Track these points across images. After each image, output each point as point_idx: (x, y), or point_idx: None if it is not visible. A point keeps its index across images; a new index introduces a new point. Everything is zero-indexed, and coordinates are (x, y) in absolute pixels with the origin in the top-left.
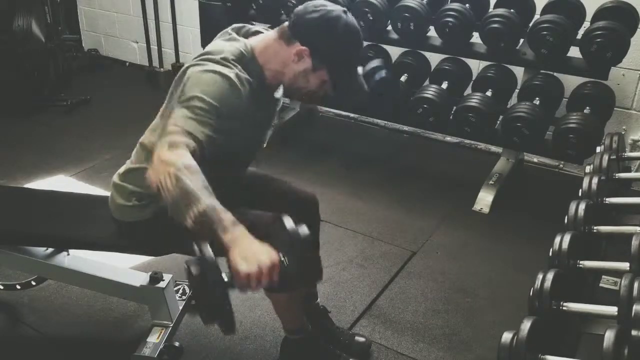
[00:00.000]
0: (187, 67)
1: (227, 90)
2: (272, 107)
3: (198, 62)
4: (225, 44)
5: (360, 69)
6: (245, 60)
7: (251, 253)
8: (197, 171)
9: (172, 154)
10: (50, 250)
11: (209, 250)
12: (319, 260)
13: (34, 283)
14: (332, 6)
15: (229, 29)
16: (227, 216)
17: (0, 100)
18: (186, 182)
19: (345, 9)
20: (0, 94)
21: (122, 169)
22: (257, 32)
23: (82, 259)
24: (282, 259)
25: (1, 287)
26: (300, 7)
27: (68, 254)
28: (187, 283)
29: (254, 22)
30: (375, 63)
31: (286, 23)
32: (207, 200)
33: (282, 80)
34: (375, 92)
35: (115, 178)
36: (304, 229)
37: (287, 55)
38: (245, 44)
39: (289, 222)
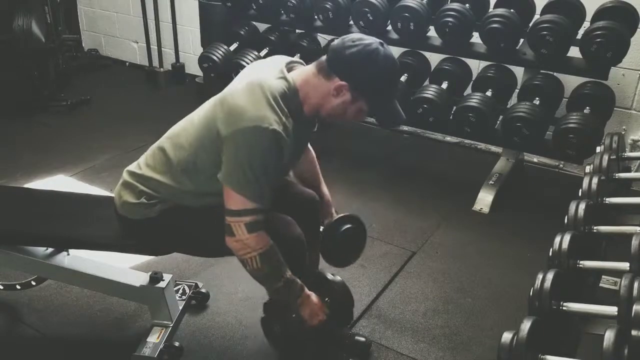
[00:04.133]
0: (240, 102)
1: (278, 147)
2: (308, 133)
3: (249, 107)
4: (274, 81)
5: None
6: (288, 98)
7: (314, 312)
8: (275, 252)
9: (253, 239)
10: (50, 250)
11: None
12: (351, 298)
13: (34, 283)
14: (369, 39)
15: (282, 65)
16: (298, 285)
17: (0, 100)
18: (269, 265)
19: (381, 41)
20: (0, 94)
21: (133, 168)
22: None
23: (82, 259)
24: (327, 302)
25: (1, 287)
26: (337, 42)
27: (68, 254)
28: (187, 283)
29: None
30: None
31: (324, 57)
32: (285, 276)
33: (320, 112)
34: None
35: (126, 175)
36: (338, 278)
37: (326, 89)
38: (289, 82)
39: (329, 275)
